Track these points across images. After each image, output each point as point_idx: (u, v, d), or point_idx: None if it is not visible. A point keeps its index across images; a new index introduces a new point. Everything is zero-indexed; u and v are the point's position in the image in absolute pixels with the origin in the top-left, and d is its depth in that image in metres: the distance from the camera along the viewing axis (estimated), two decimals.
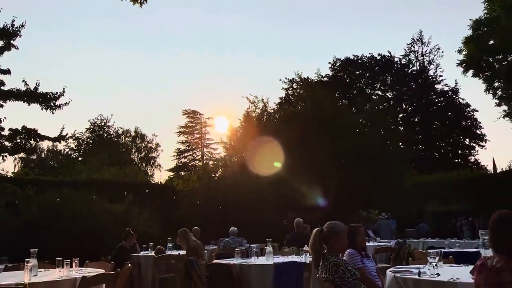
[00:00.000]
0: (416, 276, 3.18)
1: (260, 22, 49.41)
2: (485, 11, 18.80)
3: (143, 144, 40.20)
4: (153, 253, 6.97)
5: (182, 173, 32.79)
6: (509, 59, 18.08)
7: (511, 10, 17.23)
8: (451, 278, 2.97)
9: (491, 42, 18.58)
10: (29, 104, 11.97)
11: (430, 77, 34.24)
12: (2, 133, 12.00)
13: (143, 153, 39.93)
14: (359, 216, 15.67)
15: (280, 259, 5.22)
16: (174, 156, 37.07)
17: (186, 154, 37.31)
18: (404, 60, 34.91)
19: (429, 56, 34.63)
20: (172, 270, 6.56)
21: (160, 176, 41.94)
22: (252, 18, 49.52)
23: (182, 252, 7.24)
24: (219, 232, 10.33)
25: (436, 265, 3.33)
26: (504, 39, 17.33)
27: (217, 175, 19.14)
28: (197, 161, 36.62)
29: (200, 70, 53.89)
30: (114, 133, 37.96)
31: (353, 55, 34.54)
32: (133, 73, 51.06)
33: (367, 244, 8.82)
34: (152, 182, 24.74)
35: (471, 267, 3.61)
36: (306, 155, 14.92)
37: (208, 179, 17.03)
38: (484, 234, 4.72)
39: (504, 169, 21.66)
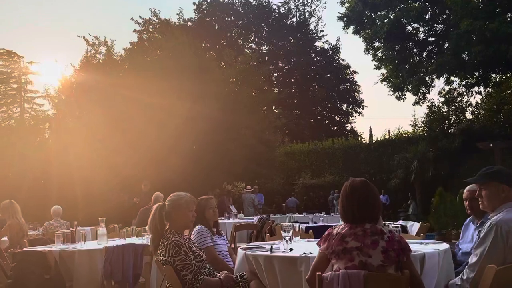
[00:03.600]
0: (268, 253, 3.43)
1: None
2: None
3: None
4: None
5: None
6: (391, 16, 20.09)
7: None
8: (304, 253, 3.29)
9: None
10: None
11: (310, 32, 36.71)
12: None
13: None
14: (223, 189, 16.28)
15: (117, 242, 5.11)
16: None
17: None
18: (283, 8, 36.60)
19: (311, 7, 36.91)
20: None
21: None
22: None
23: None
24: (39, 213, 9.66)
25: (290, 239, 3.65)
26: None
27: (39, 139, 17.68)
28: (13, 121, 33.09)
29: None
30: None
31: None
32: None
33: (227, 221, 9.34)
34: None
35: None
36: (160, 115, 14.73)
37: (25, 144, 15.59)
38: None
39: (379, 138, 24.73)
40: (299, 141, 26.26)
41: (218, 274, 3.53)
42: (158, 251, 3.40)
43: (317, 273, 2.59)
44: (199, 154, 15.21)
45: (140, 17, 29.85)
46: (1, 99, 33.19)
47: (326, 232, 2.78)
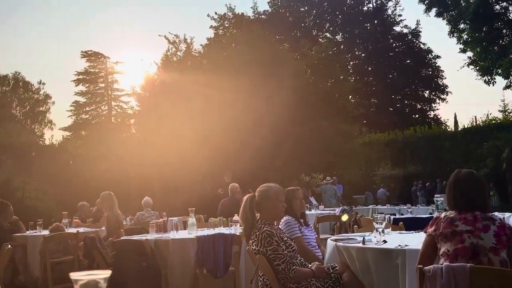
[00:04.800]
0: (360, 244, 3.38)
1: None
2: None
3: (26, 95, 37.68)
4: (45, 233, 6.71)
5: (83, 132, 31.51)
6: None
7: None
8: (399, 245, 3.20)
9: None
10: None
11: (388, 17, 35.49)
12: None
13: (28, 107, 37.51)
14: (301, 181, 16.28)
15: (205, 231, 5.28)
16: (70, 111, 35.27)
17: (87, 109, 35.54)
18: None
19: None
20: (68, 252, 6.38)
21: (52, 136, 39.88)
22: None
23: (82, 230, 7.06)
24: (133, 204, 10.22)
25: (383, 231, 3.56)
26: None
27: (128, 134, 18.68)
28: (103, 118, 35.22)
29: (103, 1, 50.83)
30: None
31: None
32: (9, 1, 46.75)
33: (309, 212, 9.32)
34: (42, 143, 23.47)
35: (422, 233, 3.93)
36: (237, 108, 15.01)
37: (117, 140, 16.56)
38: (439, 197, 5.12)
39: (466, 126, 23.49)
40: (378, 130, 25.57)
41: (310, 265, 3.53)
42: (250, 241, 3.47)
43: (418, 266, 2.52)
44: (277, 146, 15.31)
45: (215, 13, 30.44)
46: (91, 98, 35.47)
47: (434, 217, 2.86)
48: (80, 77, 34.89)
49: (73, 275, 0.97)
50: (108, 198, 6.90)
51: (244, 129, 14.86)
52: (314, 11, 35.21)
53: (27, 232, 7.10)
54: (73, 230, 6.91)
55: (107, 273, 0.99)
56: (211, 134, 15.20)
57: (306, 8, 35.07)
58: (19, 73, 36.69)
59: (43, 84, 37.66)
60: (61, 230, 6.49)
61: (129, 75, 33.75)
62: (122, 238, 5.28)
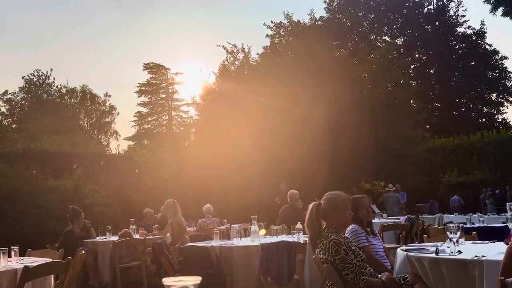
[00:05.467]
0: (433, 255, 3.25)
1: None
2: None
3: (93, 107, 39.60)
4: (114, 239, 6.98)
5: (146, 141, 32.65)
6: None
7: None
8: (476, 256, 3.05)
9: None
10: None
11: (450, 18, 34.24)
12: None
13: (94, 118, 39.40)
14: (361, 188, 15.97)
15: (268, 239, 5.29)
16: (134, 121, 36.75)
17: (149, 119, 36.98)
18: None
19: None
20: (136, 257, 6.60)
21: (118, 145, 41.61)
22: None
23: (149, 236, 7.29)
24: (193, 211, 10.43)
25: (457, 241, 3.40)
26: None
27: (189, 143, 19.12)
28: (164, 127, 36.37)
29: (163, 14, 52.55)
30: (56, 93, 37.23)
31: None
32: (74, 18, 49.47)
33: (373, 221, 9.09)
34: (108, 153, 24.55)
35: (498, 243, 3.71)
36: (296, 115, 14.97)
37: (178, 148, 16.99)
38: None
39: None
40: (442, 136, 24.62)
41: (379, 276, 3.43)
42: (317, 250, 3.43)
43: (500, 278, 2.39)
44: (335, 152, 15.11)
45: (271, 21, 30.64)
46: (152, 108, 36.83)
47: None
48: (143, 88, 36.36)
49: (166, 281, 1.00)
50: (172, 205, 7.11)
51: (302, 136, 14.79)
52: (372, 15, 34.60)
53: (97, 238, 7.42)
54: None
55: (197, 279, 1.00)
56: (268, 142, 15.26)
57: (363, 12, 34.54)
58: (87, 86, 38.69)
59: (109, 96, 39.45)
60: (129, 236, 6.73)
61: (188, 85, 34.65)
62: (188, 244, 5.39)
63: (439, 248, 3.38)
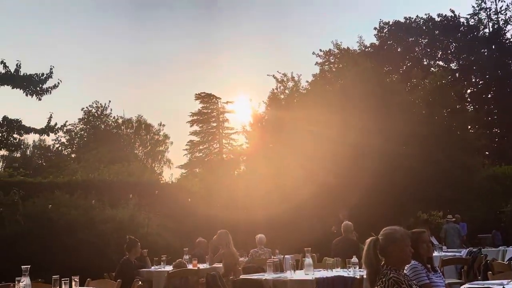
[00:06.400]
0: None
1: None
2: None
3: (148, 136, 40.91)
4: (168, 268, 7.07)
5: (197, 169, 33.21)
6: None
7: None
8: None
9: None
10: (12, 88, 11.92)
11: (507, 41, 33.07)
12: None
13: (149, 147, 40.61)
14: (418, 219, 15.42)
15: (323, 273, 5.19)
16: (186, 149, 37.61)
17: (201, 147, 37.72)
18: (472, 20, 33.79)
19: (505, 14, 33.34)
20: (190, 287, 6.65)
21: (171, 174, 42.64)
22: None
23: (203, 266, 7.34)
24: (243, 240, 10.41)
25: None
26: None
27: (239, 171, 19.27)
28: (215, 155, 36.94)
29: (215, 45, 54.05)
30: (113, 124, 38.74)
31: (405, 17, 33.79)
32: (133, 51, 51.75)
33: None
34: (162, 181, 25.17)
35: None
36: (347, 144, 14.80)
37: (229, 177, 17.16)
38: None
39: None
40: (503, 163, 23.47)
41: None
42: (376, 287, 3.32)
43: None
44: (390, 180, 14.74)
45: (320, 50, 30.80)
46: (204, 137, 37.61)
47: None
48: (195, 117, 37.31)
49: None
50: (225, 236, 7.16)
51: (354, 165, 14.57)
52: (425, 40, 33.99)
53: (152, 267, 7.54)
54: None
55: None
56: (319, 170, 15.12)
57: (415, 37, 34.01)
58: (142, 116, 40.11)
59: (163, 125, 40.67)
60: (183, 266, 6.80)
61: (239, 114, 35.23)
62: (241, 277, 5.37)
63: (506, 286, 3.19)
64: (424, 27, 34.02)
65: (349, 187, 14.37)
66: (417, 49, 34.35)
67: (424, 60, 34.15)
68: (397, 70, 31.04)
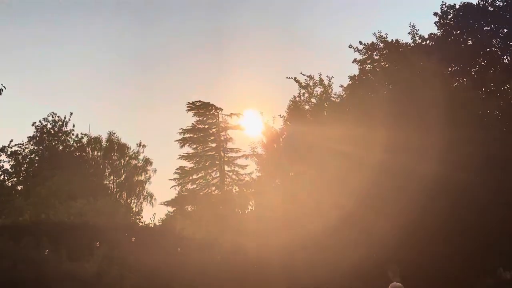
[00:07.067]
0: None
1: None
2: None
3: (122, 161, 41.00)
4: None
5: (189, 207, 33.14)
6: None
7: None
8: None
9: None
10: None
11: None
12: None
13: (123, 176, 40.68)
14: (499, 278, 15.37)
15: None
16: (175, 179, 37.38)
17: (194, 176, 37.40)
18: None
19: None
20: None
21: (153, 214, 42.58)
22: None
23: None
24: None
25: None
26: None
27: (248, 209, 19.31)
28: (214, 188, 36.77)
29: (213, 42, 54.28)
30: (75, 144, 38.71)
31: None
32: (103, 50, 52.24)
33: None
34: (141, 223, 25.20)
35: None
36: (397, 172, 14.82)
37: (234, 218, 17.21)
38: None
39: None
40: None
41: None
42: None
43: None
44: (459, 225, 14.67)
45: (360, 42, 30.87)
46: (199, 162, 37.26)
47: None
48: (187, 135, 37.16)
49: None
50: None
51: (406, 203, 14.53)
52: (505, 29, 34.09)
53: None
54: None
55: None
56: (355, 208, 15.07)
57: (492, 26, 34.12)
58: (114, 133, 40.51)
59: (143, 146, 41.06)
60: None
61: (247, 132, 35.27)
62: None
63: None
64: (504, 12, 34.18)
65: (400, 236, 14.29)
66: (494, 42, 34.47)
67: (505, 57, 34.23)
68: (467, 70, 31.07)
